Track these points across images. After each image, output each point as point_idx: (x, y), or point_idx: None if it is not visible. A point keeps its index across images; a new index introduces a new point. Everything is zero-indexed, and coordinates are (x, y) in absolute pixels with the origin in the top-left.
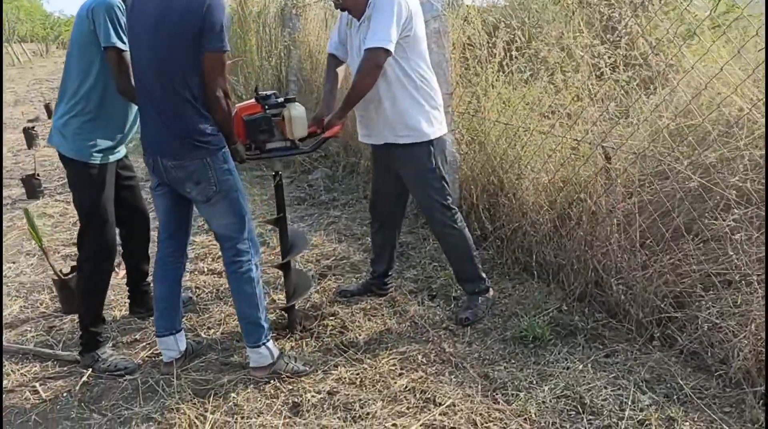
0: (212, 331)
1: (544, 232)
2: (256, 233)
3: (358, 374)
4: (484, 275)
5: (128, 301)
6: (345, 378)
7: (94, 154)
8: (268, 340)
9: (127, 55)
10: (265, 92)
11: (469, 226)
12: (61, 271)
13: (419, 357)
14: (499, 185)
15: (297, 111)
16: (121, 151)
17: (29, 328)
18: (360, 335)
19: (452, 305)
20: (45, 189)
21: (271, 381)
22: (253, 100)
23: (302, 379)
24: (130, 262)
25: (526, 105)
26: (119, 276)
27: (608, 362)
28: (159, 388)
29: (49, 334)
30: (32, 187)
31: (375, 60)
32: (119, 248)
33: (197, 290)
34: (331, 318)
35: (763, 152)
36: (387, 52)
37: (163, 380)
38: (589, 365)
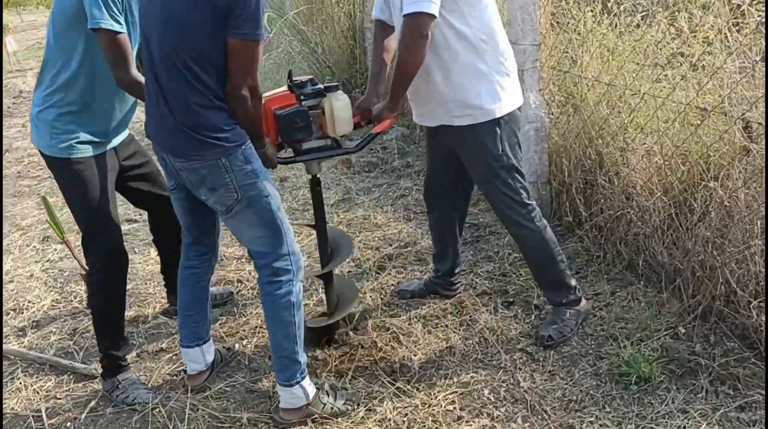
0: (245, 341)
1: (656, 224)
2: (297, 247)
3: (406, 415)
4: (573, 283)
5: (165, 291)
6: (390, 420)
7: (77, 147)
8: (303, 378)
9: (125, 39)
10: (299, 79)
11: (559, 208)
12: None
13: (485, 392)
14: (598, 160)
15: (340, 102)
16: (120, 136)
17: (54, 330)
18: (415, 355)
19: (533, 316)
20: None
21: (301, 425)
22: (284, 88)
23: (338, 419)
24: (162, 248)
25: (636, 58)
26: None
27: (743, 419)
28: (171, 424)
29: (73, 338)
30: None
31: (417, 29)
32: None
33: (239, 284)
34: (382, 329)
35: None
36: (431, 16)
37: (176, 413)
38: (716, 423)
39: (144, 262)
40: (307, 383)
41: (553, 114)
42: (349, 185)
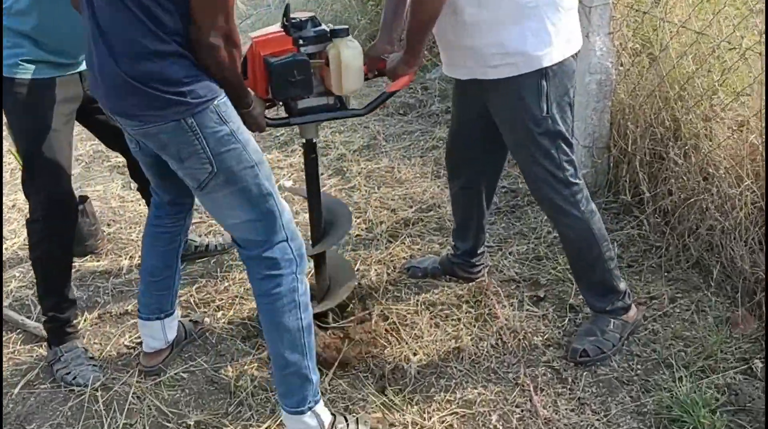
0: (219, 313)
1: (739, 218)
2: (296, 229)
3: None
4: (623, 286)
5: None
6: None
7: (23, 66)
8: (317, 402)
9: None
10: (297, 17)
11: (616, 182)
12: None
13: (493, 417)
14: (673, 129)
15: (351, 51)
16: (81, 63)
17: (17, 274)
18: (415, 354)
19: (566, 319)
20: None
21: None
22: (277, 27)
23: None
24: (148, 197)
25: (738, 1)
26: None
27: None
28: (109, 414)
29: (34, 287)
30: None
31: None
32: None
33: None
34: (381, 317)
35: None
36: None
37: (118, 401)
38: None
39: (136, 202)
40: (322, 408)
41: (622, 65)
42: (377, 129)
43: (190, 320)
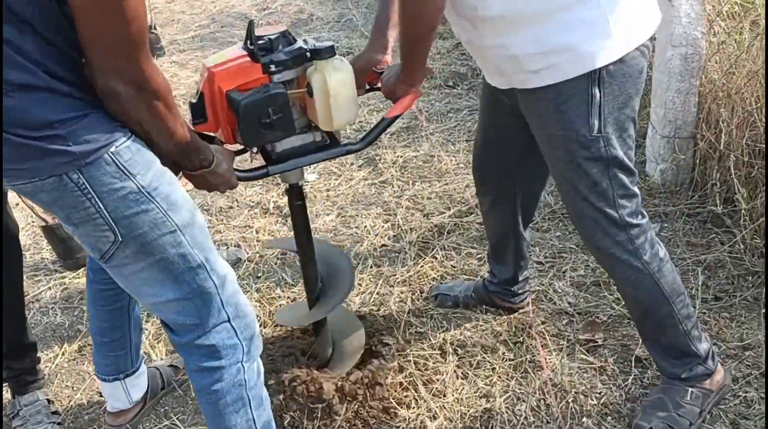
0: None
1: None
2: (243, 298)
3: None
4: (704, 348)
5: None
6: None
7: None
8: None
9: None
10: (264, 35)
11: (703, 183)
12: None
13: None
14: None
15: (339, 76)
16: None
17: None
18: (434, 419)
19: (630, 378)
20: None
21: None
22: (237, 47)
23: None
24: None
25: None
26: None
27: None
28: None
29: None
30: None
31: None
32: None
33: (250, 244)
34: (393, 371)
35: None
36: None
37: None
38: None
39: None
40: None
41: (715, 35)
42: (420, 105)
43: (170, 365)
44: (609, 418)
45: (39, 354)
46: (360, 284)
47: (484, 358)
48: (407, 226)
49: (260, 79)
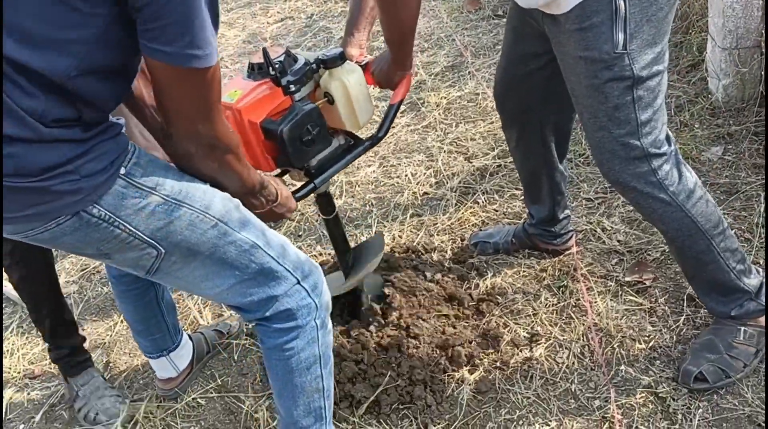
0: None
1: None
2: (305, 257)
3: None
4: (754, 282)
5: None
6: None
7: None
8: None
9: None
10: (277, 59)
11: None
12: None
13: None
14: None
15: (356, 78)
16: None
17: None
18: (473, 372)
19: (681, 318)
20: None
21: None
22: (241, 78)
23: None
24: None
25: None
26: None
27: None
28: None
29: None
30: None
31: None
32: None
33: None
34: (436, 316)
35: None
36: None
37: None
38: None
39: None
40: None
41: None
42: (466, 40)
43: (215, 330)
44: (657, 362)
45: (100, 322)
46: (401, 235)
47: (525, 304)
48: (449, 172)
49: (284, 101)
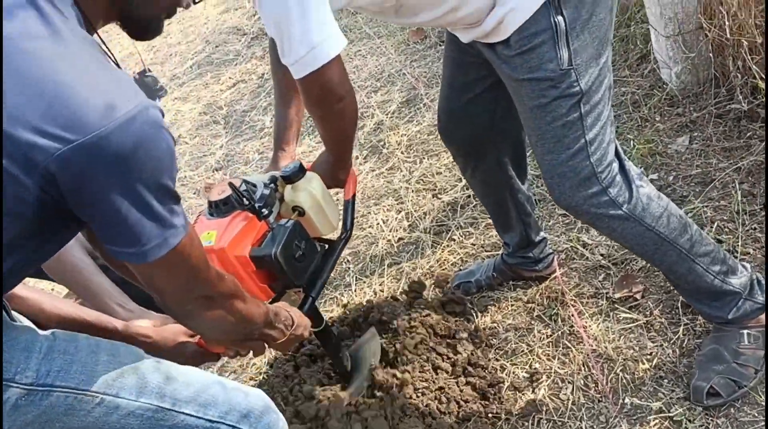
0: None
1: None
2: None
3: None
4: (743, 279)
5: None
6: None
7: None
8: None
9: None
10: (246, 186)
11: (725, 77)
12: None
13: None
14: None
15: (319, 185)
16: None
17: None
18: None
19: (680, 328)
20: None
21: None
22: (204, 215)
23: None
24: None
25: None
26: None
27: None
28: None
29: None
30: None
31: (324, 94)
32: None
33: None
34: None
35: None
36: (336, 63)
37: None
38: None
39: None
40: None
41: None
42: (417, 72)
43: None
44: (665, 381)
45: None
46: (381, 289)
47: (519, 341)
48: (420, 212)
49: (262, 226)
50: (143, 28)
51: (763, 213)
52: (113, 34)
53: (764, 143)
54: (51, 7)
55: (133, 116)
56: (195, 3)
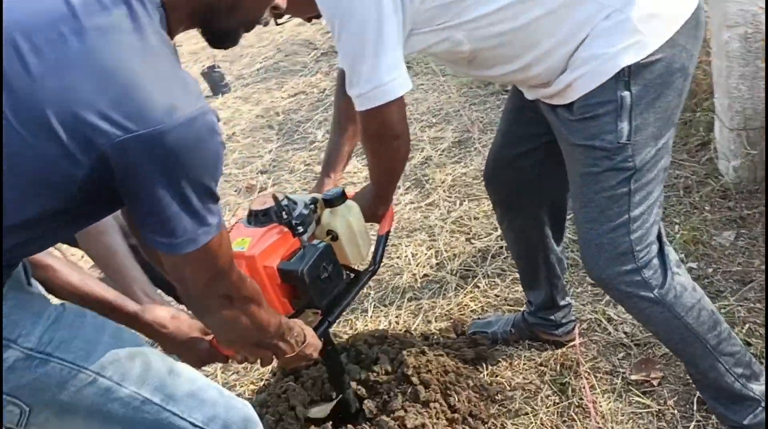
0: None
1: None
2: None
3: None
4: (762, 388)
5: None
6: None
7: None
8: None
9: None
10: (285, 201)
11: None
12: None
13: None
14: None
15: (355, 214)
16: None
17: None
18: None
19: (692, 424)
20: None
21: None
22: (243, 224)
23: None
24: None
25: None
26: None
27: None
28: None
29: None
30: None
31: (382, 131)
32: None
33: None
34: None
35: None
36: (397, 103)
37: None
38: None
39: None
40: None
41: None
42: (475, 115)
43: None
44: None
45: None
46: (397, 321)
47: (524, 403)
48: (450, 253)
49: (294, 243)
50: (221, 38)
51: None
52: None
53: None
54: (141, 7)
55: (193, 118)
56: (277, 24)
